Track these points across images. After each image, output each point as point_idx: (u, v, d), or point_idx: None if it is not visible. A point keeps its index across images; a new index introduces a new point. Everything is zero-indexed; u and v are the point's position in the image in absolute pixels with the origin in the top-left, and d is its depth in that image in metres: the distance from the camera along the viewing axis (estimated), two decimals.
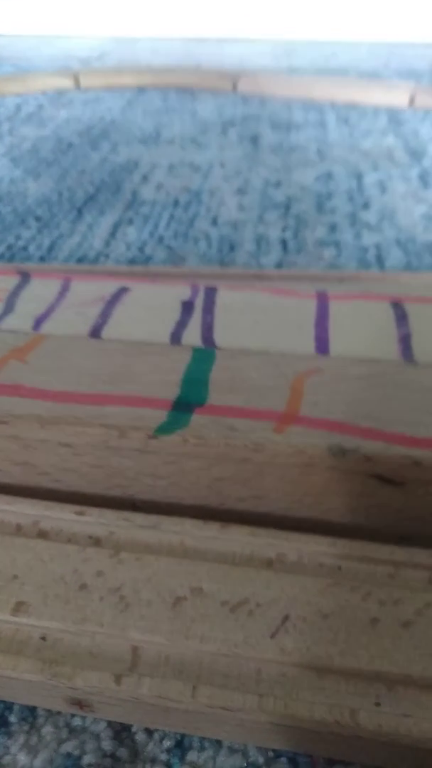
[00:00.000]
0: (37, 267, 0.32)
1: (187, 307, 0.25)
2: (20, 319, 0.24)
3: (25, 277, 0.27)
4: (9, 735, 0.16)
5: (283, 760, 0.16)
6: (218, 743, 0.16)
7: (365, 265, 0.37)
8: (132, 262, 0.37)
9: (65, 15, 1.07)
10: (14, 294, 0.26)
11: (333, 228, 0.41)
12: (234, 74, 0.75)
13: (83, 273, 0.30)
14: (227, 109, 0.67)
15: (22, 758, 0.16)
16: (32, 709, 0.17)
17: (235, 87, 0.73)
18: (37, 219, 0.43)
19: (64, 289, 0.26)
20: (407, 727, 0.15)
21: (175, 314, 0.24)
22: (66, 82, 0.75)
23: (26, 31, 1.08)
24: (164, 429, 0.19)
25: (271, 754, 0.16)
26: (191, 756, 0.16)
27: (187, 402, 0.20)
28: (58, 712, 0.17)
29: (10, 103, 0.70)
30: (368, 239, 0.40)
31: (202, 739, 0.16)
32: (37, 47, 0.99)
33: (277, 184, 0.48)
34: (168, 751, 0.16)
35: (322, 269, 0.36)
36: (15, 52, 0.95)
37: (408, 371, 0.21)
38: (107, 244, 0.40)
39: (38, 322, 0.24)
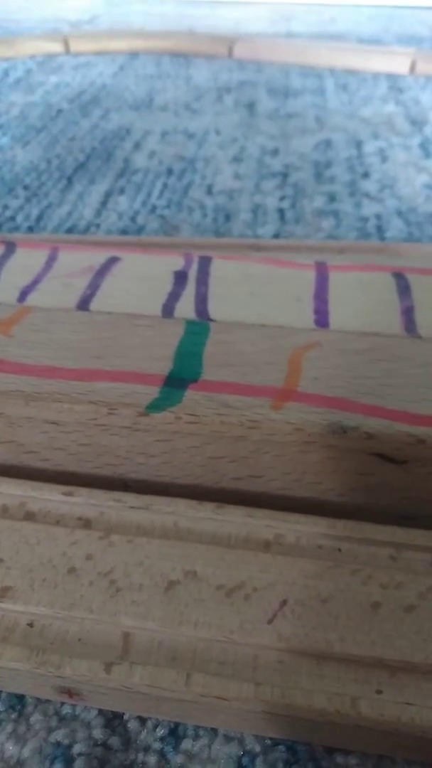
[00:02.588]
0: (23, 237, 0.31)
1: (180, 277, 0.24)
2: (4, 291, 0.23)
3: (10, 247, 0.26)
4: None
5: (281, 748, 0.15)
6: (214, 731, 0.15)
7: (365, 236, 0.36)
8: (124, 232, 0.36)
9: None
10: None
11: (332, 197, 0.40)
12: (229, 39, 0.72)
13: (72, 243, 0.29)
14: (222, 74, 0.65)
15: (10, 747, 0.15)
16: (20, 697, 0.16)
17: (230, 52, 0.71)
18: (26, 188, 0.41)
19: (51, 260, 0.25)
20: (409, 716, 0.14)
21: (168, 285, 0.23)
22: (56, 47, 0.72)
23: None
24: (156, 406, 0.18)
25: (268, 742, 0.15)
26: (186, 744, 0.15)
27: (180, 377, 0.19)
28: (47, 700, 0.16)
29: None
30: (368, 209, 0.38)
31: (196, 728, 0.16)
32: (26, 9, 0.95)
33: (275, 152, 0.46)
34: (162, 739, 0.15)
35: (321, 240, 0.35)
36: (2, 14, 0.92)
37: (411, 345, 0.20)
38: (98, 213, 0.38)
39: (23, 294, 0.23)
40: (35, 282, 0.24)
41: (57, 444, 0.19)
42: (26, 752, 0.15)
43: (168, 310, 0.22)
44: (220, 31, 0.81)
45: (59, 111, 0.55)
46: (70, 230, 0.36)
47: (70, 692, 0.15)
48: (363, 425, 0.17)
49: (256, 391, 0.18)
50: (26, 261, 0.25)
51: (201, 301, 0.22)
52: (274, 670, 0.15)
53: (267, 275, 0.24)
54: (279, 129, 0.51)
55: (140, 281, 0.23)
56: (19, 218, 0.38)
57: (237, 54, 0.71)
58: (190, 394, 0.18)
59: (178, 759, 0.15)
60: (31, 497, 0.18)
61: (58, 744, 0.15)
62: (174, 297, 0.23)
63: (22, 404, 0.18)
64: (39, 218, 0.38)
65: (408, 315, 0.22)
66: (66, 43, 0.73)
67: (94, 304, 0.22)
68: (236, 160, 0.45)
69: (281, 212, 0.38)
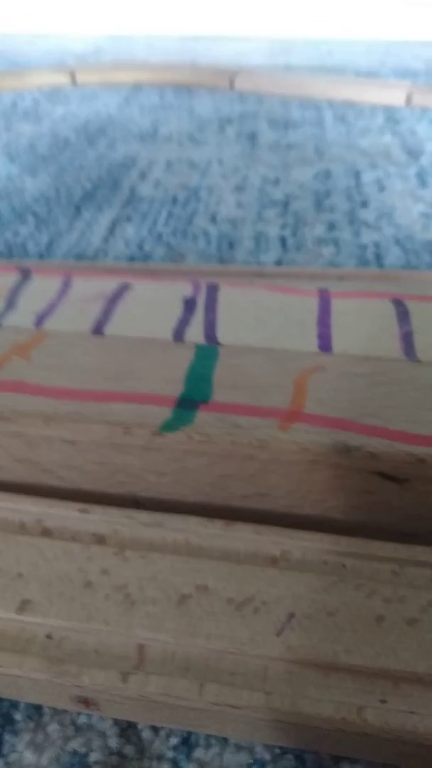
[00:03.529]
0: (37, 264, 0.32)
1: (190, 304, 0.25)
2: (22, 316, 0.24)
3: (26, 274, 0.27)
4: (15, 733, 0.16)
5: (290, 757, 0.16)
6: (225, 740, 0.16)
7: (364, 263, 0.37)
8: (131, 259, 0.37)
9: (61, 11, 1.06)
10: (15, 291, 0.26)
11: (332, 226, 0.41)
12: (231, 72, 0.75)
13: (84, 270, 0.30)
14: (224, 106, 0.67)
15: (29, 756, 0.16)
16: (38, 707, 0.17)
17: (232, 84, 0.73)
18: (35, 215, 0.43)
19: (66, 286, 0.26)
20: (413, 724, 0.15)
21: (178, 311, 0.24)
22: (62, 78, 0.75)
23: (22, 27, 1.07)
24: (169, 426, 0.19)
25: (277, 751, 0.16)
26: (198, 753, 0.16)
27: (192, 399, 0.20)
28: (64, 710, 0.17)
29: (6, 98, 0.69)
30: (367, 237, 0.40)
31: (208, 737, 0.16)
32: (32, 43, 0.98)
33: (276, 182, 0.48)
34: (174, 748, 0.16)
35: (322, 267, 0.36)
36: (10, 48, 0.95)
37: (411, 369, 0.21)
38: (106, 240, 0.39)
39: (40, 319, 0.24)
40: (51, 308, 0.25)
41: (72, 463, 0.20)
42: (44, 761, 0.16)
43: (178, 335, 0.23)
44: (221, 64, 0.84)
45: (66, 141, 0.57)
46: (79, 257, 0.37)
47: (87, 702, 0.16)
48: (366, 445, 0.18)
49: (264, 413, 0.19)
50: (41, 287, 0.26)
51: (210, 326, 0.23)
52: (283, 680, 0.15)
53: (272, 302, 0.25)
54: (280, 159, 0.52)
55: (151, 307, 0.24)
56: (30, 245, 0.39)
57: (238, 86, 0.73)
58: (201, 415, 0.19)
59: (191, 767, 0.16)
60: (48, 514, 0.19)
61: (74, 752, 0.16)
62: (184, 322, 0.24)
63: (41, 424, 0.19)
64: (49, 245, 0.39)
65: (407, 340, 0.23)
66: (72, 75, 0.75)
67: (108, 329, 0.23)
68: (239, 189, 0.47)
69: (283, 240, 0.39)
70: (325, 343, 0.23)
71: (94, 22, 1.06)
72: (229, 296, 0.25)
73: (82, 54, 0.91)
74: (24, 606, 0.17)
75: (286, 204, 0.44)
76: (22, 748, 0.16)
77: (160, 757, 0.16)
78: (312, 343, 0.23)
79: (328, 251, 0.38)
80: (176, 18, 1.05)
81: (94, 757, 0.16)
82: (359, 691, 0.15)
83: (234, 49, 0.94)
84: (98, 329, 0.23)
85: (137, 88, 0.73)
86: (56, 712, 0.17)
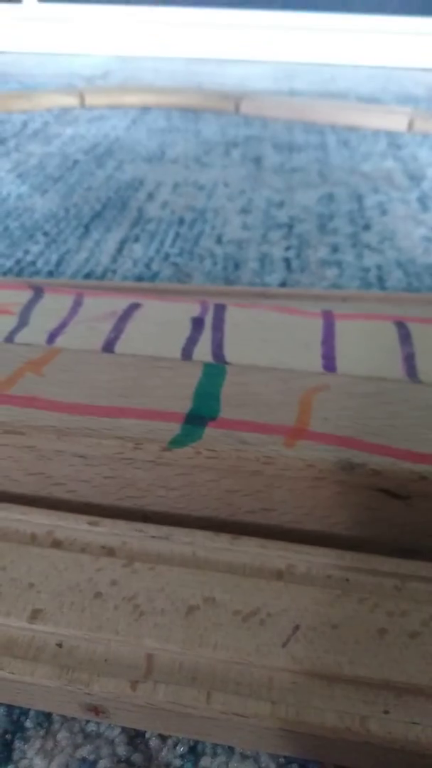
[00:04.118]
0: (48, 282, 0.33)
1: (198, 323, 0.25)
2: (35, 333, 0.25)
3: (37, 291, 0.28)
4: (25, 740, 0.16)
5: (294, 766, 0.16)
6: (231, 749, 0.16)
7: (367, 285, 0.38)
8: (139, 278, 0.38)
9: (69, 33, 1.09)
10: (28, 308, 0.27)
11: (335, 248, 0.42)
12: (236, 96, 0.76)
13: (94, 288, 0.31)
14: (230, 129, 0.68)
15: (39, 762, 0.16)
16: (47, 715, 0.17)
17: (237, 108, 0.75)
18: (45, 234, 0.44)
19: (77, 304, 0.27)
20: (416, 734, 0.15)
21: (186, 330, 0.25)
22: (71, 100, 0.76)
23: (31, 49, 1.09)
24: (178, 441, 0.19)
25: (282, 760, 0.16)
26: (204, 762, 0.16)
27: (200, 416, 0.20)
28: (73, 718, 0.17)
29: (17, 119, 0.71)
30: (369, 260, 0.40)
31: (214, 746, 0.16)
32: (41, 65, 1.00)
33: (280, 205, 0.49)
34: (181, 756, 0.16)
35: (325, 288, 0.37)
36: (20, 69, 0.97)
37: (413, 389, 0.22)
38: (114, 260, 0.40)
39: (52, 336, 0.25)
40: (62, 326, 0.25)
41: (83, 476, 0.21)
42: (54, 767, 0.16)
43: (187, 353, 0.24)
44: (226, 87, 0.86)
45: (75, 162, 0.58)
46: (88, 275, 0.38)
47: (96, 710, 0.16)
48: (369, 462, 0.19)
49: (270, 430, 0.20)
50: (53, 305, 0.27)
51: (217, 345, 0.24)
52: (288, 690, 0.16)
53: (278, 322, 0.26)
54: (284, 182, 0.54)
55: (160, 326, 0.25)
56: (40, 263, 0.40)
57: (243, 110, 0.75)
58: (210, 431, 0.20)
59: None
60: (58, 526, 0.20)
61: (83, 760, 0.16)
62: (192, 341, 0.24)
63: (54, 439, 0.20)
64: (58, 263, 0.40)
65: (409, 362, 0.23)
66: (81, 97, 0.77)
67: (119, 347, 0.24)
68: (244, 211, 0.48)
69: (287, 261, 0.40)
70: (329, 363, 0.23)
71: (102, 44, 1.08)
72: (236, 316, 0.26)
73: (91, 76, 0.93)
74: (35, 615, 0.17)
75: (290, 226, 0.45)
76: (32, 755, 0.16)
77: (167, 766, 0.16)
78: (317, 363, 0.23)
79: (331, 273, 0.39)
80: (183, 41, 1.07)
81: (102, 764, 0.16)
82: (363, 702, 0.16)
83: (239, 73, 0.96)
84: (109, 347, 0.24)
85: (144, 110, 0.75)
86: (65, 719, 0.17)
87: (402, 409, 0.21)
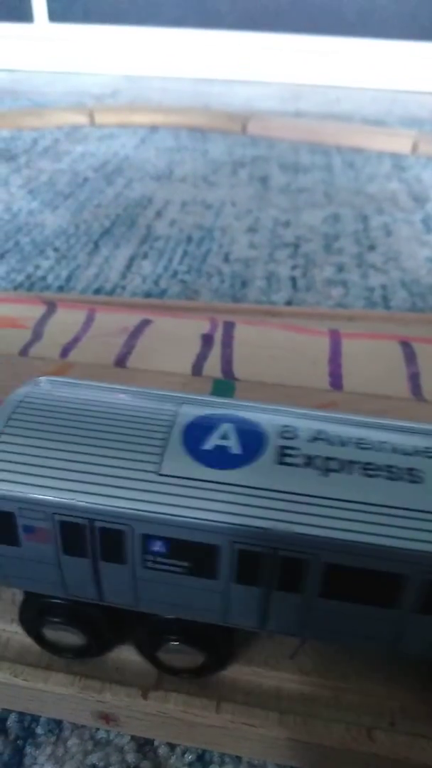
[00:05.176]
0: (61, 297, 0.33)
1: (207, 340, 0.26)
2: (48, 347, 0.26)
3: (51, 306, 0.29)
4: (37, 746, 0.17)
5: None
6: (238, 759, 0.17)
7: (372, 305, 0.38)
8: (148, 294, 0.39)
9: (79, 52, 1.11)
10: (41, 323, 0.27)
11: (340, 268, 0.43)
12: (243, 116, 0.78)
13: (105, 304, 0.32)
14: (237, 149, 0.69)
15: None
16: (58, 722, 0.17)
17: (244, 129, 0.76)
18: (56, 250, 0.44)
19: (89, 320, 0.27)
20: (420, 746, 0.15)
21: (196, 347, 0.26)
22: (81, 118, 0.78)
23: (42, 67, 1.11)
24: None
25: None
26: None
27: None
28: (83, 726, 0.17)
29: (28, 136, 0.72)
30: (374, 280, 0.41)
31: (222, 755, 0.17)
32: (52, 83, 1.02)
33: (287, 224, 0.50)
34: (190, 765, 0.17)
35: (331, 307, 0.38)
36: (31, 87, 0.98)
37: (418, 407, 0.23)
38: (123, 276, 0.41)
39: (65, 351, 0.25)
40: (76, 340, 0.26)
41: None
42: None
43: (197, 369, 0.24)
44: (233, 107, 0.87)
45: (85, 179, 0.59)
46: (97, 291, 0.39)
47: (107, 717, 0.17)
48: None
49: None
50: (66, 320, 0.27)
51: (226, 362, 0.25)
52: (296, 701, 0.16)
53: (286, 340, 0.26)
54: (290, 202, 0.55)
55: (171, 342, 0.26)
56: (50, 278, 0.41)
57: (250, 131, 0.76)
58: None
59: None
60: None
61: (93, 766, 0.16)
62: (202, 357, 0.25)
63: None
64: (68, 278, 0.40)
65: (414, 381, 0.24)
66: (91, 116, 0.78)
67: (131, 362, 0.25)
68: (251, 230, 0.49)
69: (293, 280, 0.41)
70: (336, 381, 0.24)
71: (112, 63, 1.10)
72: (244, 333, 0.27)
73: (100, 94, 0.95)
74: None
75: (296, 246, 0.46)
76: (43, 761, 0.16)
77: None
78: (324, 381, 0.24)
79: (337, 292, 0.40)
80: (190, 61, 1.09)
81: None
82: (369, 714, 0.16)
83: (246, 93, 0.98)
84: (121, 362, 0.25)
85: (153, 129, 0.76)
86: (76, 727, 0.17)
87: None
